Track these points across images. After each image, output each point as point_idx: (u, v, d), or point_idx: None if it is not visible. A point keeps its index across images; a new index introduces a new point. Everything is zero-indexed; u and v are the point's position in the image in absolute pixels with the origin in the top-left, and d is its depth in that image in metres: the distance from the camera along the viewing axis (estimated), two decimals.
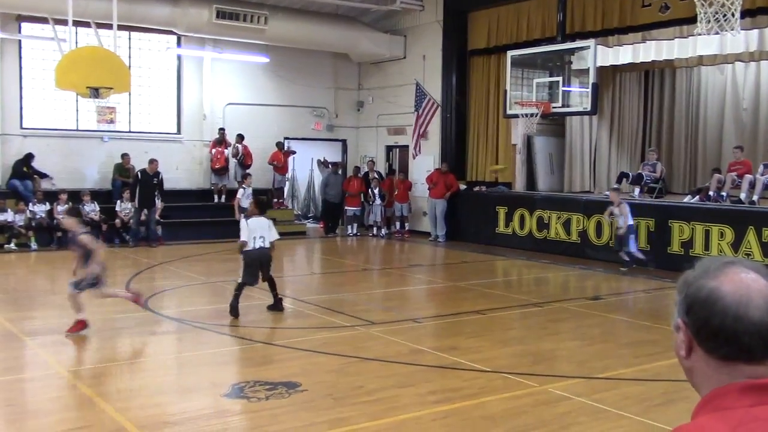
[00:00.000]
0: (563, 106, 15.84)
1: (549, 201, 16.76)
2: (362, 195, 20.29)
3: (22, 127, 17.78)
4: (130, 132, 18.73)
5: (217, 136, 19.32)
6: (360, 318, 9.56)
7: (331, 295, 11.84)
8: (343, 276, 14.32)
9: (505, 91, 16.72)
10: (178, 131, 19.86)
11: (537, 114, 15.69)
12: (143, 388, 6.75)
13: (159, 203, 17.09)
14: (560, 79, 15.84)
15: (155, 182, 17.05)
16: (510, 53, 16.66)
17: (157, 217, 17.00)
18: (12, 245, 15.71)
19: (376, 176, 20.57)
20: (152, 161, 17.22)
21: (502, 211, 17.48)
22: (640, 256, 13.47)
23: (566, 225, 16.00)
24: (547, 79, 16.16)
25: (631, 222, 13.37)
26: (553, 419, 5.91)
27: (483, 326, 9.41)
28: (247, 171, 18.97)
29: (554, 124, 18.33)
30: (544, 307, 10.70)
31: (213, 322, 9.18)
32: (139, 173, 17.05)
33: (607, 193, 15.08)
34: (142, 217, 16.82)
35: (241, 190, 17.42)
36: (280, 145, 20.23)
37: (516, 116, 16.69)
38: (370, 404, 6.15)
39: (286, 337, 8.54)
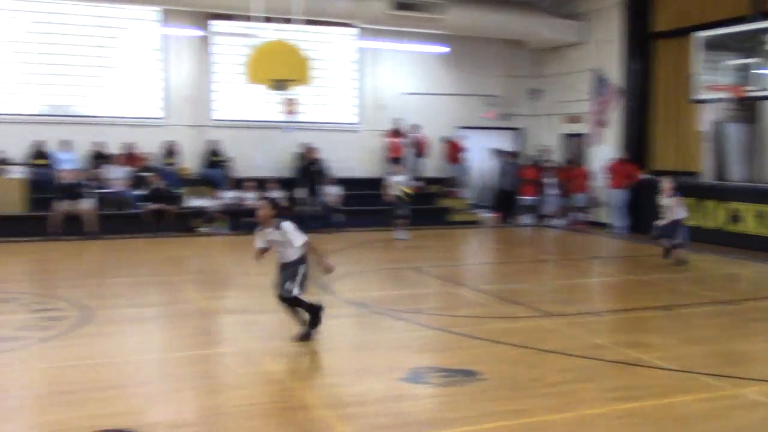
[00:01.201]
0: (759, 89, 14.68)
1: (742, 192, 15.63)
2: (538, 184, 19.92)
3: (212, 119, 19.02)
4: (311, 122, 19.46)
5: (394, 126, 19.65)
6: (537, 309, 9.39)
7: (507, 285, 11.72)
8: (518, 266, 14.12)
9: (692, 75, 15.74)
10: (356, 121, 20.42)
11: (728, 99, 14.65)
12: (325, 369, 6.99)
13: (331, 190, 17.81)
14: (755, 60, 14.70)
15: (314, 169, 17.77)
16: (697, 34, 15.66)
17: (327, 202, 17.69)
18: (206, 229, 16.85)
19: (552, 165, 20.09)
20: (310, 149, 17.96)
21: (688, 203, 16.52)
22: None
23: (761, 218, 14.84)
24: (739, 62, 15.05)
25: None
26: (752, 425, 5.51)
27: (668, 322, 8.93)
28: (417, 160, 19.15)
29: (745, 109, 17.03)
30: (737, 305, 9.99)
31: (391, 307, 9.35)
32: (302, 161, 17.91)
33: None
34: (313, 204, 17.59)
35: (391, 178, 17.44)
36: (445, 138, 20.45)
37: (704, 102, 15.69)
38: (550, 397, 6.01)
39: (463, 325, 8.53)
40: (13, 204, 15.70)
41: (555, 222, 19.57)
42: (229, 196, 17.36)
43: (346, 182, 18.51)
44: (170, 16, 18.20)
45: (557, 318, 8.90)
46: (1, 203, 15.50)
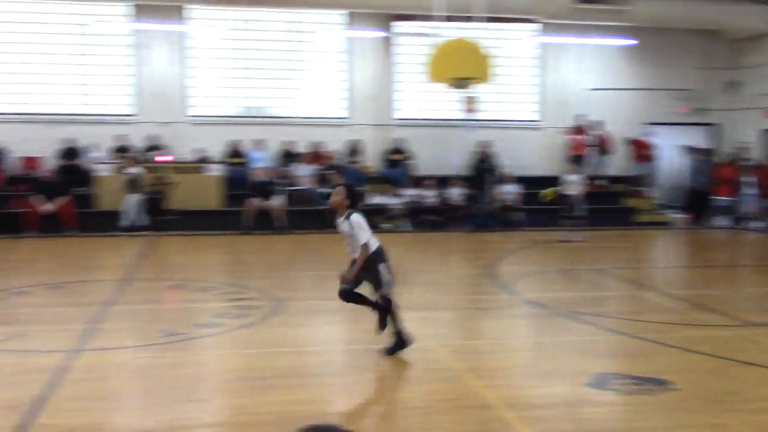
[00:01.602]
0: None
1: None
2: (734, 183, 18.58)
3: (394, 118, 19.41)
4: (491, 120, 19.33)
5: (577, 123, 19.10)
6: (733, 317, 8.76)
7: (699, 290, 11.02)
8: (712, 271, 13.24)
9: None
10: (538, 119, 20.05)
11: None
12: (505, 369, 6.90)
13: (508, 188, 17.59)
14: None
15: (486, 167, 17.60)
16: None
17: (503, 200, 17.48)
18: (387, 226, 17.22)
19: (750, 163, 18.67)
20: (484, 147, 17.83)
21: None
22: None
23: None
24: None
25: None
26: None
27: None
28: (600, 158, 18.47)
29: None
30: None
31: (573, 309, 9.09)
32: (476, 160, 17.77)
33: None
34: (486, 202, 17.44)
35: (566, 177, 16.81)
36: (630, 136, 19.56)
37: None
38: (750, 413, 5.57)
39: (650, 331, 8.12)
40: (211, 200, 16.86)
41: (753, 224, 18.17)
42: (409, 194, 17.65)
43: (526, 180, 18.22)
44: (354, 18, 18.80)
45: (757, 328, 8.25)
46: (200, 199, 16.70)
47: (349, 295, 7.03)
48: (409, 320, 8.81)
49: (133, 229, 15.84)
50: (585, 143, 18.94)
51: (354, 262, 6.89)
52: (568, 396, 5.98)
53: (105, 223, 15.98)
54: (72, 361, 6.78)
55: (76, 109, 18.14)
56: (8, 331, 7.98)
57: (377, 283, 6.88)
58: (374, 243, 6.90)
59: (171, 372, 6.57)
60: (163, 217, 16.21)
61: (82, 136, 17.45)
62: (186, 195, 16.52)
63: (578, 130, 19.05)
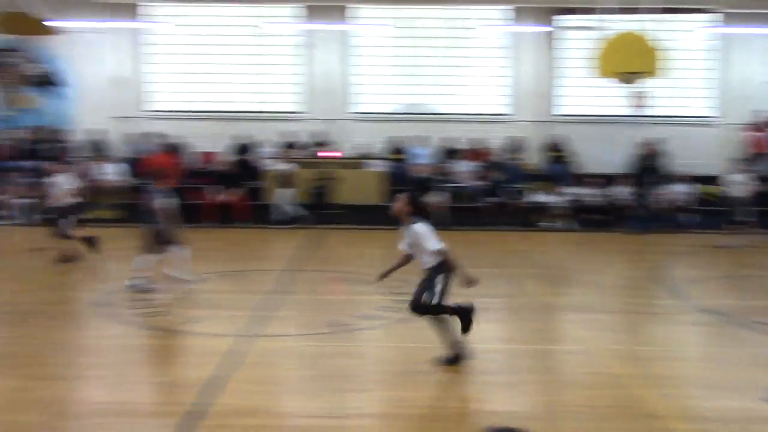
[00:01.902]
0: None
1: None
2: None
3: (556, 114, 19.02)
4: (660, 117, 18.46)
5: (757, 118, 17.86)
6: None
7: None
8: None
9: None
10: (713, 114, 18.94)
11: None
12: (675, 378, 6.60)
13: (677, 187, 16.76)
14: None
15: (650, 165, 16.76)
16: None
17: (669, 200, 16.69)
18: (547, 224, 16.89)
19: None
20: (648, 144, 16.97)
21: None
22: None
23: None
24: None
25: None
26: None
27: None
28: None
29: None
30: None
31: (746, 317, 8.54)
32: (639, 156, 16.97)
33: None
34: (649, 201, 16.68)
35: (738, 176, 15.61)
36: None
37: None
38: None
39: None
40: (373, 195, 17.23)
41: None
42: (571, 192, 17.22)
43: (699, 179, 17.25)
44: (517, 13, 18.57)
45: None
46: (362, 194, 17.11)
47: (420, 310, 6.61)
48: (572, 322, 8.59)
49: (288, 222, 16.55)
50: (765, 141, 17.67)
51: (426, 272, 6.58)
52: (742, 410, 5.65)
53: (275, 215, 16.83)
54: (245, 345, 7.19)
55: (249, 106, 19.17)
56: (191, 315, 8.59)
57: (425, 291, 6.51)
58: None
59: (335, 361, 6.82)
60: (327, 210, 16.79)
61: (254, 132, 18.38)
62: (349, 190, 17.01)
63: (758, 126, 17.81)
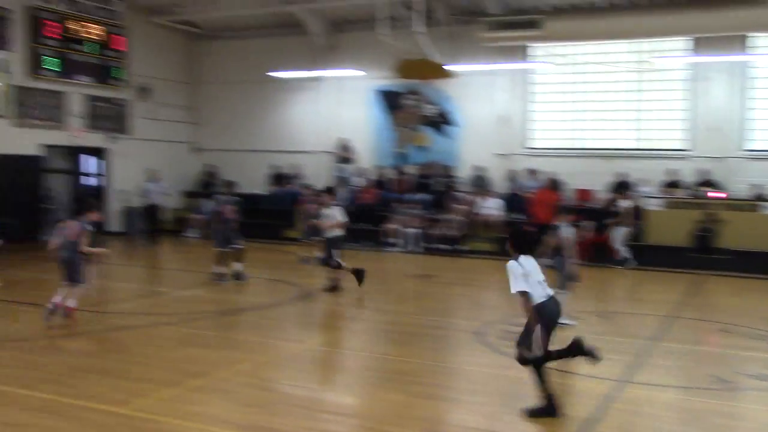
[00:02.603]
0: None
1: None
2: None
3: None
4: None
5: None
6: None
7: None
8: None
9: None
10: None
11: None
12: None
13: None
14: None
15: None
16: None
17: None
18: None
19: None
20: None
21: None
22: None
23: None
24: None
25: None
26: None
27: None
28: None
29: None
30: None
31: None
32: None
33: None
34: None
35: None
36: None
37: None
38: None
39: None
40: (766, 240, 15.55)
41: None
42: None
43: None
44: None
45: None
46: (755, 239, 15.53)
47: (530, 361, 6.19)
48: None
49: (617, 263, 15.75)
50: None
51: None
52: None
53: (655, 257, 16.02)
54: (618, 391, 6.94)
55: (629, 144, 18.68)
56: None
57: (524, 339, 6.10)
58: (538, 296, 6.06)
59: (714, 420, 6.24)
60: (713, 255, 15.55)
61: (633, 170, 17.82)
62: (738, 234, 15.58)
63: None
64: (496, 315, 10.87)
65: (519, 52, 19.24)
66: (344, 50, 21.17)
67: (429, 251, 18.19)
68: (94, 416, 5.95)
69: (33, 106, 18.57)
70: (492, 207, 18.36)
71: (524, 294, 6.04)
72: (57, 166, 21.30)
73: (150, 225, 19.47)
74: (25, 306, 10.59)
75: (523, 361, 6.21)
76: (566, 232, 9.80)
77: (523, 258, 6.20)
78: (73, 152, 21.04)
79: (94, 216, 9.71)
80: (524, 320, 6.19)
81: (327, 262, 12.28)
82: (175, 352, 7.09)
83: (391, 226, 18.75)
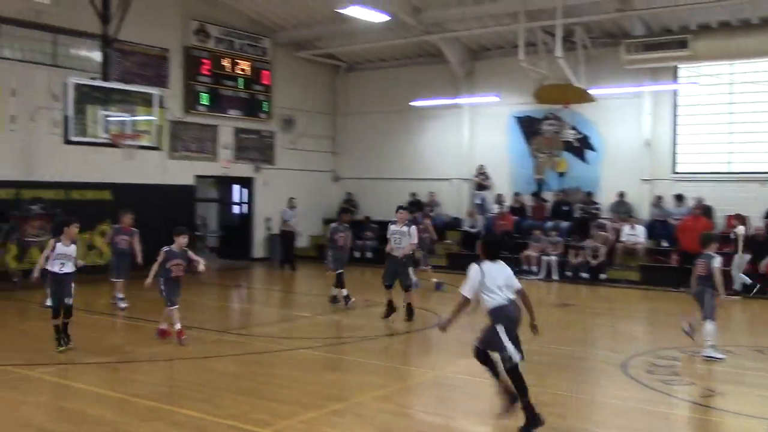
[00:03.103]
0: None
1: None
2: None
3: None
4: None
5: None
6: None
7: None
8: None
9: None
10: None
11: None
12: None
13: None
14: None
15: None
16: None
17: None
18: None
19: None
20: None
21: None
22: None
23: None
24: None
25: None
26: None
27: None
28: None
29: None
30: None
31: None
32: None
33: None
34: None
35: None
36: None
37: None
38: None
39: None
40: None
41: None
42: None
43: None
44: None
45: None
46: None
47: (478, 354, 6.45)
48: None
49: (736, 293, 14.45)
50: None
51: None
52: None
53: None
54: None
55: None
56: (714, 389, 8.05)
57: (498, 347, 6.25)
58: (496, 301, 6.28)
59: None
60: None
61: None
62: None
63: None
64: (641, 346, 10.41)
65: (663, 73, 18.49)
66: (482, 77, 21.17)
67: (568, 279, 17.71)
68: None
69: (187, 140, 19.76)
70: (636, 234, 17.68)
71: (465, 299, 6.34)
72: (208, 196, 22.54)
73: (286, 251, 20.14)
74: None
75: (476, 353, 6.44)
76: (715, 261, 9.26)
77: (488, 263, 6.44)
78: (222, 182, 22.19)
79: (181, 240, 10.03)
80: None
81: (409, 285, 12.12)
82: (315, 375, 7.25)
83: (530, 253, 18.43)
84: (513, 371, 6.22)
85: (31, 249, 16.18)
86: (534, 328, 6.56)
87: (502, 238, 6.70)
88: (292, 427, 6.37)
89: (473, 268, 6.39)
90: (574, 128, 19.90)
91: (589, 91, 17.60)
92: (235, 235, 22.24)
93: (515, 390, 6.25)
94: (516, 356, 6.18)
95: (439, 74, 21.65)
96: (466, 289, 6.33)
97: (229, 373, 8.60)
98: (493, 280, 6.32)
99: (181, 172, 19.49)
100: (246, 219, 22.13)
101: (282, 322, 12.67)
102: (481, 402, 7.60)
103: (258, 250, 21.62)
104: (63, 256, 9.39)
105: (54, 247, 9.34)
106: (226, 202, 23.35)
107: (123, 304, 12.54)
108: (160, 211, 18.06)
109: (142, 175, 18.05)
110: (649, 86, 18.53)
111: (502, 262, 6.54)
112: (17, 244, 15.95)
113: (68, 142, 14.29)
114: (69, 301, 9.41)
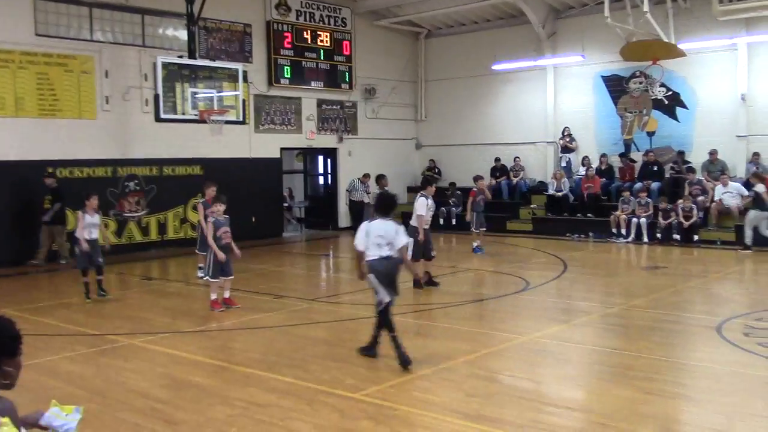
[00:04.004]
0: None
1: None
2: None
3: None
4: None
5: None
6: None
7: None
8: None
9: None
10: None
11: None
12: None
13: None
14: None
15: None
16: None
17: None
18: None
19: None
20: None
21: None
22: None
23: None
24: None
25: None
26: None
27: None
28: None
29: None
30: None
31: None
32: None
33: None
34: None
35: None
36: None
37: None
38: None
39: None
40: None
41: None
42: None
43: None
44: None
45: None
46: None
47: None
48: None
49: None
50: None
51: None
52: None
53: None
54: None
55: None
56: None
57: (375, 292, 7.30)
58: (371, 255, 7.21)
59: None
60: None
61: None
62: None
63: None
64: (737, 309, 10.08)
65: (759, 23, 17.58)
66: (565, 36, 20.65)
67: (660, 241, 17.24)
68: (330, 400, 6.32)
69: (271, 113, 20.08)
70: (731, 193, 17.01)
71: (359, 251, 7.33)
72: (293, 168, 22.89)
73: (354, 221, 20.26)
74: (265, 296, 11.50)
75: (379, 305, 7.23)
76: None
77: (377, 221, 7.30)
78: (308, 153, 22.52)
79: (219, 208, 10.29)
80: None
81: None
82: (404, 341, 7.32)
83: (619, 215, 18.01)
84: (383, 313, 7.24)
85: (129, 224, 16.90)
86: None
87: (394, 197, 6.69)
88: (381, 392, 6.49)
89: (362, 225, 7.43)
90: (663, 85, 19.22)
91: (679, 46, 16.91)
92: (320, 206, 22.60)
93: (388, 330, 7.23)
94: (386, 297, 7.15)
95: (520, 35, 21.24)
96: (357, 243, 7.36)
97: (319, 340, 8.80)
98: (375, 236, 7.20)
99: (266, 145, 19.86)
100: (331, 189, 22.41)
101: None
102: (571, 367, 7.56)
103: (343, 219, 21.88)
104: (91, 224, 11.06)
105: (83, 218, 10.99)
106: (311, 173, 23.68)
107: (201, 274, 12.90)
108: (248, 184, 18.50)
109: (230, 149, 18.52)
110: (743, 37, 17.69)
111: (391, 221, 7.34)
112: (115, 220, 16.67)
113: (159, 119, 14.78)
114: (101, 260, 11.23)
